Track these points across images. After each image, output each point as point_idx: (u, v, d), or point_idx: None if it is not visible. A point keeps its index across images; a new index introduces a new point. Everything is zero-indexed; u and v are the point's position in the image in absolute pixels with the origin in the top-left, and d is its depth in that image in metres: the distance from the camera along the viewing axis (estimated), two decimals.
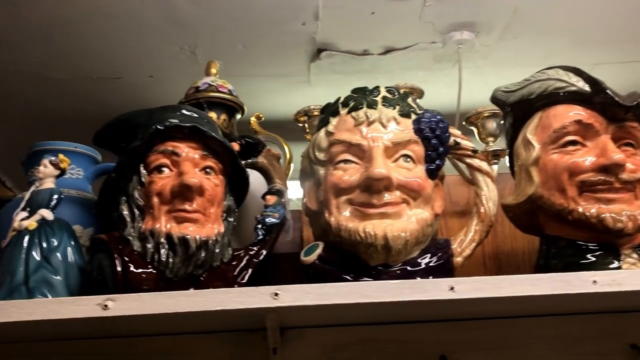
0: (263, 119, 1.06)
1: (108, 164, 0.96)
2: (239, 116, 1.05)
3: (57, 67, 1.85)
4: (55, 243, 0.77)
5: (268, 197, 0.86)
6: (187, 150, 0.78)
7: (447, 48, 1.73)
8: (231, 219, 0.82)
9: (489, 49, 1.77)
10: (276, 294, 0.71)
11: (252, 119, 1.06)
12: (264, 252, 0.83)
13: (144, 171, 0.78)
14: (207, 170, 0.79)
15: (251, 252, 0.82)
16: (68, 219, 0.84)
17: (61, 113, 2.04)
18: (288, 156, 1.03)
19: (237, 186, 0.84)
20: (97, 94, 1.96)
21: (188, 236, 0.74)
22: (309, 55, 1.81)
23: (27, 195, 0.81)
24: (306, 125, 1.04)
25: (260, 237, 0.83)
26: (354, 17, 1.63)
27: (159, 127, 0.77)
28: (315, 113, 1.02)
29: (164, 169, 0.78)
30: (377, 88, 0.82)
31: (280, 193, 0.86)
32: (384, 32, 1.70)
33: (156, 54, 1.80)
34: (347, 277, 0.75)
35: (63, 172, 0.83)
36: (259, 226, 0.84)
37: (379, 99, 0.80)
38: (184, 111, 0.82)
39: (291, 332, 0.89)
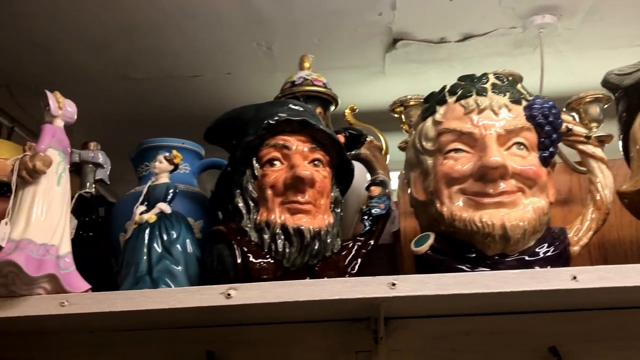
0: (357, 110, 1.07)
1: (213, 159, 0.99)
2: (332, 108, 1.05)
3: (139, 67, 1.92)
4: (175, 235, 0.81)
5: (372, 188, 0.87)
6: (297, 144, 0.80)
7: (528, 33, 1.68)
8: (338, 210, 0.83)
9: (572, 33, 1.71)
10: (393, 284, 0.71)
11: (347, 111, 1.06)
12: (372, 242, 0.83)
13: (257, 164, 0.80)
14: (316, 162, 0.81)
15: (359, 243, 0.83)
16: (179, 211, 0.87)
17: (143, 111, 2.12)
18: (384, 147, 1.03)
19: (341, 178, 0.85)
20: (176, 92, 2.02)
21: (302, 227, 0.76)
22: (385, 45, 1.80)
23: (145, 189, 0.85)
24: (402, 115, 1.03)
25: (367, 228, 0.84)
26: (431, 5, 1.61)
27: (270, 121, 0.79)
28: (412, 103, 1.01)
29: (275, 162, 0.79)
30: (485, 75, 0.80)
31: (384, 184, 0.86)
32: (462, 18, 1.67)
33: (234, 51, 1.84)
34: (463, 267, 0.74)
35: (176, 167, 0.87)
36: (365, 217, 0.84)
37: (488, 85, 0.79)
38: (291, 105, 0.83)
39: (395, 322, 0.89)
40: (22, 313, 0.74)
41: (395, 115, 1.04)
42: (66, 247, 0.80)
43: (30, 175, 0.79)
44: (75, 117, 0.90)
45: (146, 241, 0.80)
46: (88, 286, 0.79)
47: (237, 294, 0.73)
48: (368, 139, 0.90)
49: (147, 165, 0.96)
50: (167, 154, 0.86)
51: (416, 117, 0.91)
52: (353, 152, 0.88)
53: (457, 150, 0.77)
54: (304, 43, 1.78)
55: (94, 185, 0.97)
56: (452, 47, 1.78)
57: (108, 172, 0.99)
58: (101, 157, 0.98)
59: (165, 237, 0.80)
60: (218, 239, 0.78)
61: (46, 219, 0.79)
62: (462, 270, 0.74)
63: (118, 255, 0.91)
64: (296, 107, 0.83)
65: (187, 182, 0.96)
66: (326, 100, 1.03)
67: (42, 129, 0.85)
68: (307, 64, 1.08)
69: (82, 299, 0.75)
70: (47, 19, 1.67)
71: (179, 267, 0.79)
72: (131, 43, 1.81)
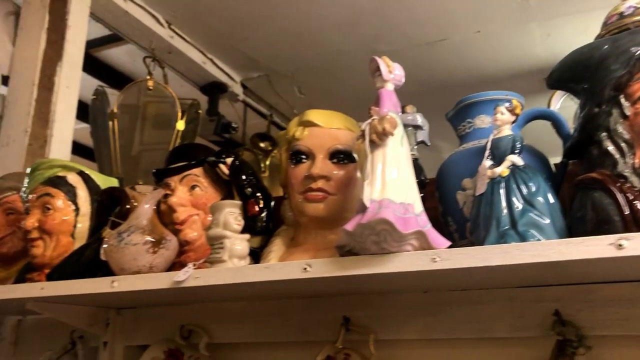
0: None
1: (539, 109, 0.94)
2: None
3: (387, 39, 1.94)
4: (534, 187, 0.76)
5: None
6: None
7: None
8: None
9: None
10: None
11: None
12: None
13: (626, 103, 0.72)
14: None
15: None
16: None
17: None
18: None
19: None
20: (424, 59, 2.01)
21: None
22: None
23: (488, 144, 0.82)
24: None
25: None
26: None
27: None
28: None
29: None
30: None
31: None
32: None
33: (484, 8, 1.76)
34: None
35: (517, 117, 0.82)
36: None
37: None
38: None
39: None
40: (395, 269, 0.77)
41: None
42: (419, 206, 0.81)
43: (379, 138, 0.82)
44: (404, 80, 0.90)
45: (503, 195, 0.77)
46: (449, 242, 0.79)
47: (630, 244, 0.66)
48: None
49: (470, 122, 0.94)
50: (507, 105, 0.82)
51: None
52: None
53: None
54: None
55: (415, 147, 0.98)
56: None
57: (427, 134, 0.99)
58: (420, 119, 0.98)
59: (524, 190, 0.76)
60: (591, 187, 0.72)
61: (398, 178, 0.80)
62: None
63: (454, 213, 0.91)
64: None
65: None
66: None
67: (380, 94, 0.87)
68: None
69: (453, 254, 0.74)
70: (302, 6, 1.77)
71: (545, 220, 0.74)
72: (379, 17, 1.83)
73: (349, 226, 0.78)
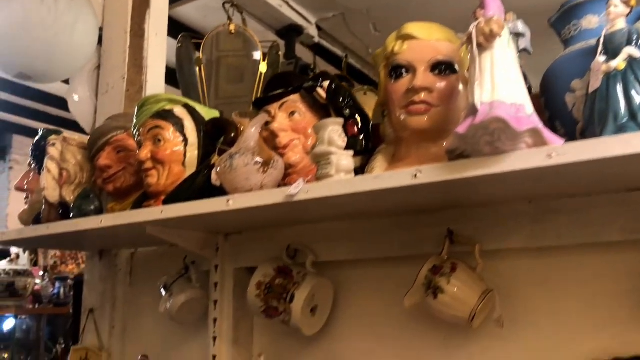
0: None
1: None
2: None
3: None
4: None
5: None
6: None
7: None
8: None
9: None
10: None
11: None
12: None
13: None
14: None
15: None
16: None
17: None
18: None
19: None
20: None
21: None
22: None
23: (600, 39, 0.80)
24: None
25: None
26: None
27: None
28: None
29: None
30: None
31: None
32: None
33: None
34: None
35: (631, 10, 0.80)
36: None
37: None
38: None
39: None
40: (510, 168, 0.77)
41: None
42: (530, 107, 0.81)
43: (487, 40, 0.81)
44: None
45: (620, 89, 0.76)
46: (563, 140, 0.78)
47: None
48: None
49: (576, 24, 0.91)
50: None
51: None
52: None
53: None
54: None
55: (518, 55, 0.96)
56: None
57: (529, 41, 0.97)
58: (521, 27, 0.96)
59: None
60: None
61: (507, 80, 0.80)
62: None
63: (563, 117, 0.90)
64: None
65: None
66: None
67: None
68: None
69: (570, 148, 0.73)
70: None
71: None
72: None
73: (461, 129, 0.79)
